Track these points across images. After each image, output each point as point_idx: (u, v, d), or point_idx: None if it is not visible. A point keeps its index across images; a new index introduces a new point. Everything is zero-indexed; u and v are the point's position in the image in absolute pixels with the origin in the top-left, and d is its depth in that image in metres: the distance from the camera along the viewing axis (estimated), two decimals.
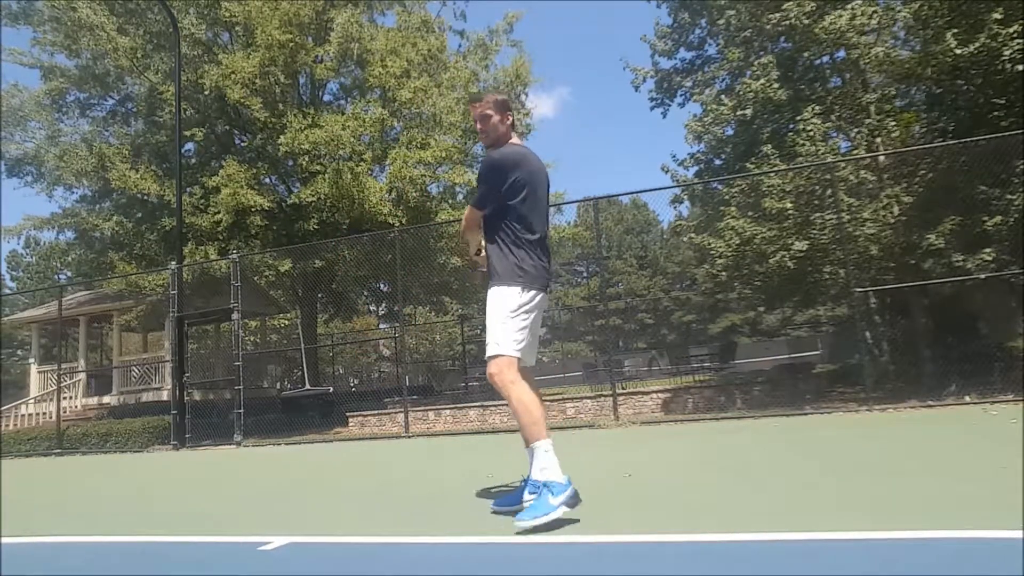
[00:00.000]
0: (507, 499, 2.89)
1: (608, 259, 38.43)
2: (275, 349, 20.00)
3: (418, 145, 13.25)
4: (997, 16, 7.71)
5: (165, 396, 13.65)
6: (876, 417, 6.52)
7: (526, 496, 2.70)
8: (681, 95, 12.05)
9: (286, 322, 21.65)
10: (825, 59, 9.87)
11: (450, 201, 14.82)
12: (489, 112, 2.98)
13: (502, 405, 10.46)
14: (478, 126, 3.03)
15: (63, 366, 14.24)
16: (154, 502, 4.46)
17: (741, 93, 9.55)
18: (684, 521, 2.52)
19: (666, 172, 11.34)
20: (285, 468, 6.33)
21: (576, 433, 7.50)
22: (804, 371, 13.02)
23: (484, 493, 3.35)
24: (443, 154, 13.20)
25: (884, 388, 8.10)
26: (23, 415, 15.17)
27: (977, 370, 7.72)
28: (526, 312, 2.80)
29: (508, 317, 2.77)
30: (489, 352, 2.76)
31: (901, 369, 9.14)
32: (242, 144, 15.00)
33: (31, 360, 17.56)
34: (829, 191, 8.31)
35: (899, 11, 8.39)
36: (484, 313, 2.89)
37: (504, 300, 2.80)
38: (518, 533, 2.42)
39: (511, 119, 3.02)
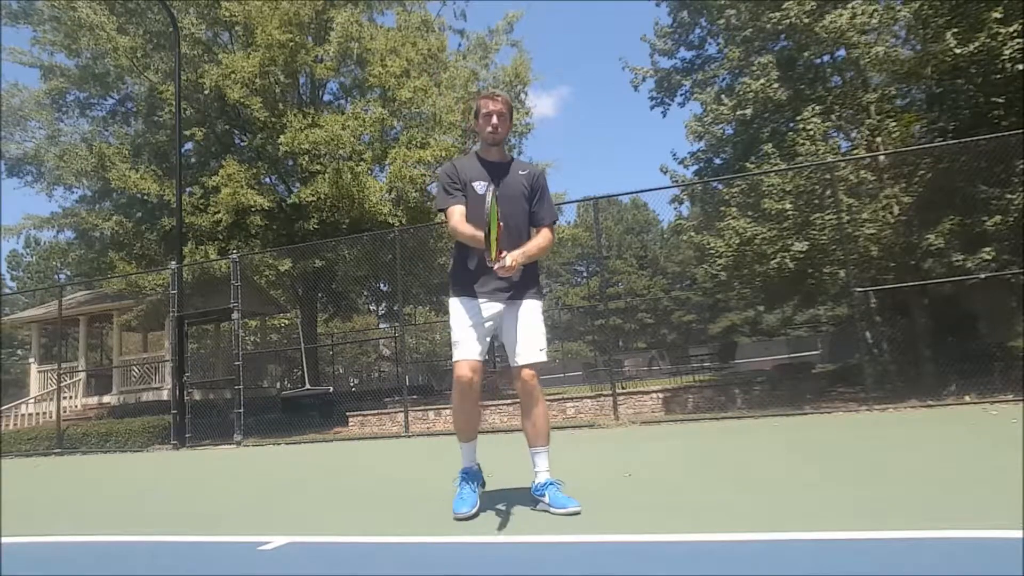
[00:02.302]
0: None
1: (608, 259, 38.41)
2: (275, 349, 19.99)
3: (418, 145, 13.26)
4: (997, 15, 7.71)
5: (165, 396, 13.65)
6: (876, 417, 6.52)
7: (545, 499, 2.86)
8: (681, 94, 12.06)
9: (286, 322, 21.64)
10: (825, 58, 9.87)
11: None
12: (507, 113, 2.99)
13: (502, 405, 10.46)
14: (495, 121, 2.95)
15: (63, 366, 14.24)
16: (154, 502, 4.46)
17: (741, 92, 9.54)
18: (684, 521, 2.52)
19: (665, 172, 11.35)
20: (285, 468, 6.33)
21: (576, 433, 7.50)
22: (804, 371, 13.04)
23: (483, 493, 3.34)
24: (443, 153, 13.19)
25: (884, 388, 8.10)
26: (23, 415, 15.17)
27: (977, 370, 7.72)
28: None
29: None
30: (541, 358, 2.91)
31: (901, 369, 9.14)
32: (242, 144, 15.00)
33: (31, 360, 17.57)
34: (829, 191, 8.31)
35: (899, 10, 8.38)
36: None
37: (542, 314, 2.99)
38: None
39: None
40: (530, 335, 2.90)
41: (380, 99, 13.83)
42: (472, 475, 3.01)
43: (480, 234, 2.70)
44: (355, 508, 3.49)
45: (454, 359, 2.92)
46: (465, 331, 2.89)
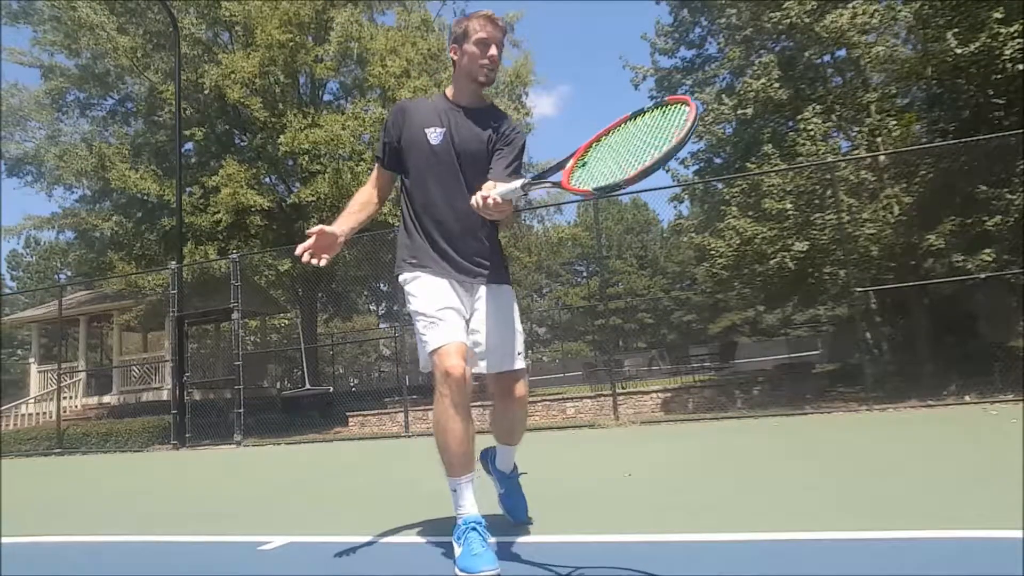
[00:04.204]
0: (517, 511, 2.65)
1: (608, 259, 38.38)
2: (275, 349, 19.99)
3: None
4: (997, 15, 7.71)
5: (165, 396, 13.65)
6: (876, 417, 6.52)
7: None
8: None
9: (286, 322, 21.63)
10: (826, 58, 9.87)
11: None
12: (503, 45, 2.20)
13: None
14: (493, 51, 2.11)
15: (63, 366, 14.24)
16: (154, 502, 4.46)
17: (742, 92, 9.54)
18: (684, 521, 2.52)
19: (667, 171, 11.36)
20: (285, 468, 6.33)
21: (576, 433, 7.50)
22: (804, 371, 13.01)
23: (482, 493, 3.34)
24: None
25: (884, 388, 8.10)
26: (23, 415, 15.18)
27: (977, 370, 7.72)
28: None
29: None
30: (523, 364, 2.22)
31: (901, 369, 9.14)
32: (242, 144, 15.00)
33: (31, 360, 17.58)
34: (829, 191, 8.31)
35: (900, 10, 8.38)
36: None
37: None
38: None
39: None
40: (515, 333, 2.20)
41: (380, 99, 13.82)
42: (481, 527, 2.05)
43: (359, 215, 2.19)
44: (355, 508, 3.49)
45: (430, 347, 2.02)
46: (438, 309, 2.06)
